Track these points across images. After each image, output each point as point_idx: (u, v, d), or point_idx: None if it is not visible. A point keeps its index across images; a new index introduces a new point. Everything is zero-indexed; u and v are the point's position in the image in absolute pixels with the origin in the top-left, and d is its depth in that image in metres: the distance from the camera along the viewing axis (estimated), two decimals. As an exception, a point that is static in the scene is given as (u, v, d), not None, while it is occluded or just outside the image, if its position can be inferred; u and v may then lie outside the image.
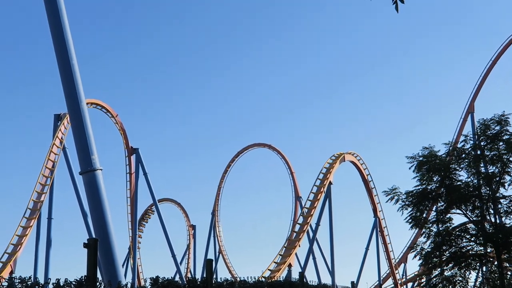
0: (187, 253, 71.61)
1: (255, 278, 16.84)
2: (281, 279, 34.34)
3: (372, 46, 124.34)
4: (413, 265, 75.58)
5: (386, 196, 22.37)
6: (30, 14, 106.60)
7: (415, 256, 21.83)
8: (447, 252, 21.21)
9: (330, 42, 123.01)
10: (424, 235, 22.03)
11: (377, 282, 58.21)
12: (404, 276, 62.67)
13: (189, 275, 66.40)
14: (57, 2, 23.44)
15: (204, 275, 16.48)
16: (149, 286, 11.38)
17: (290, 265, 44.82)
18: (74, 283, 8.93)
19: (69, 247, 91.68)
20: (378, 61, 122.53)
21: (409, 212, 21.85)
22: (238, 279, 16.42)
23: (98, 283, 9.05)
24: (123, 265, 52.49)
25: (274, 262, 44.80)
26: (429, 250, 21.24)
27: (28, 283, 8.24)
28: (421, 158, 21.79)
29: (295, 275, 37.86)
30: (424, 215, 22.24)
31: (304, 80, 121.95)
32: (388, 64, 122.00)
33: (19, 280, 8.15)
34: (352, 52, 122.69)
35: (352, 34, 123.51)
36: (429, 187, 21.79)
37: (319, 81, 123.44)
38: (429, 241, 21.55)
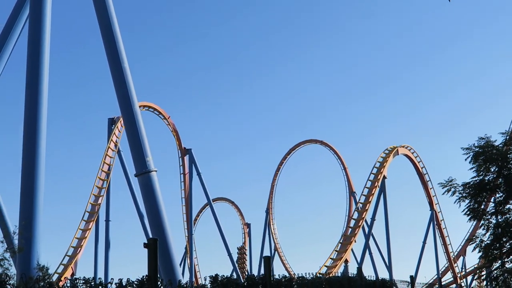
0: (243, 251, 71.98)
1: (312, 275, 16.82)
2: (338, 275, 34.14)
3: (425, 37, 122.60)
4: (473, 258, 74.24)
5: (443, 188, 21.97)
6: (82, 19, 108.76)
7: (474, 249, 21.40)
8: (507, 244, 20.73)
9: (381, 36, 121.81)
10: (483, 227, 21.56)
11: (436, 276, 57.41)
12: (463, 269, 61.67)
13: (245, 273, 66.70)
14: (107, 6, 23.82)
15: (261, 273, 16.50)
16: (209, 285, 11.48)
17: (346, 261, 44.63)
18: (136, 282, 9.09)
19: (127, 248, 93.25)
20: (431, 52, 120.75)
21: (467, 204, 21.41)
22: (296, 275, 16.41)
23: (159, 282, 9.19)
24: (180, 265, 53.10)
25: (330, 258, 44.65)
26: (488, 242, 20.79)
27: (92, 283, 8.43)
28: (477, 149, 21.32)
29: (352, 271, 37.66)
30: (482, 207, 21.77)
31: (355, 74, 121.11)
32: (441, 55, 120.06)
33: (83, 281, 8.34)
34: (404, 45, 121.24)
35: (403, 26, 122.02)
36: (486, 178, 21.30)
37: (370, 75, 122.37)
38: (489, 233, 21.09)
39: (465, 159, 21.57)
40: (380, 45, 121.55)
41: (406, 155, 56.14)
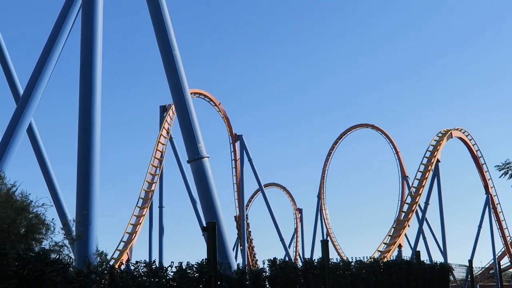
0: (295, 236, 72.05)
1: (372, 259, 16.71)
2: (392, 259, 33.87)
3: (478, 20, 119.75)
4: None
5: (499, 170, 21.57)
6: (132, 8, 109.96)
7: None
8: None
9: (432, 20, 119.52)
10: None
11: (492, 261, 56.42)
12: (520, 253, 60.46)
13: (298, 258, 66.82)
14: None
15: (313, 257, 16.53)
16: (267, 268, 11.50)
17: (400, 246, 44.23)
18: (195, 266, 9.17)
19: (180, 233, 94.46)
20: (484, 32, 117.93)
21: (525, 186, 20.92)
22: (348, 260, 16.30)
23: (218, 266, 9.25)
24: (232, 250, 53.53)
25: (384, 243, 44.31)
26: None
27: (153, 267, 8.53)
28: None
29: (405, 255, 37.26)
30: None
31: (406, 57, 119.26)
32: (496, 35, 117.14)
33: (144, 264, 8.45)
34: (456, 27, 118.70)
35: (455, 9, 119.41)
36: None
37: (421, 58, 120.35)
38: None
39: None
40: (433, 26, 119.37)
41: (460, 138, 55.16)
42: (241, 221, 52.60)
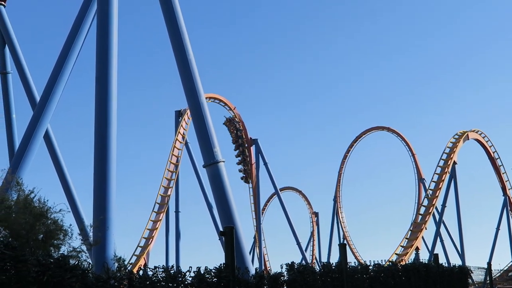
0: (311, 240, 71.89)
1: (389, 262, 16.62)
2: (409, 263, 33.66)
3: (494, 20, 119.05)
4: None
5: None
6: (147, 13, 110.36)
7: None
8: None
9: (449, 20, 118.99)
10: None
11: (511, 263, 55.98)
12: (539, 256, 59.84)
13: (314, 262, 66.65)
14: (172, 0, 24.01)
15: (330, 261, 16.48)
16: (285, 272, 11.46)
17: (417, 248, 44.01)
18: (213, 271, 9.15)
19: (197, 238, 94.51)
20: (501, 33, 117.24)
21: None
22: (365, 264, 16.22)
23: (236, 270, 9.22)
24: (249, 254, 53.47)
25: (401, 245, 44.12)
26: None
27: (171, 271, 8.52)
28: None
29: (423, 258, 37.03)
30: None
31: (421, 59, 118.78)
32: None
33: (162, 269, 8.44)
34: (472, 27, 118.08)
35: (472, 10, 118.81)
36: None
37: (436, 59, 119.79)
38: None
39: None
40: (448, 27, 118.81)
41: (477, 140, 54.77)
42: (258, 225, 52.58)
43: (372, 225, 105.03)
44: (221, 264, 9.29)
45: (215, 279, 9.20)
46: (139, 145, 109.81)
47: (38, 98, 26.75)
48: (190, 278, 8.92)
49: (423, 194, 58.31)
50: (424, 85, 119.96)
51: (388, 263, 17.31)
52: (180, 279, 8.62)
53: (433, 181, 48.64)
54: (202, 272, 8.97)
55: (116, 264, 11.25)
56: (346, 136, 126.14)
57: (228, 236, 8.87)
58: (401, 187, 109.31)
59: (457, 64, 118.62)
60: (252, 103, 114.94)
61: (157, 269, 8.32)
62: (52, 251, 10.47)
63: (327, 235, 67.89)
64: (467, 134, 51.65)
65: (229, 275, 9.11)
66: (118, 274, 7.87)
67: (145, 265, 38.94)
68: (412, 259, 41.33)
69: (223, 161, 24.81)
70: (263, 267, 52.68)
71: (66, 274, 7.08)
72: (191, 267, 8.83)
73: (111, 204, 18.18)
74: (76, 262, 7.52)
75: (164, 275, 8.35)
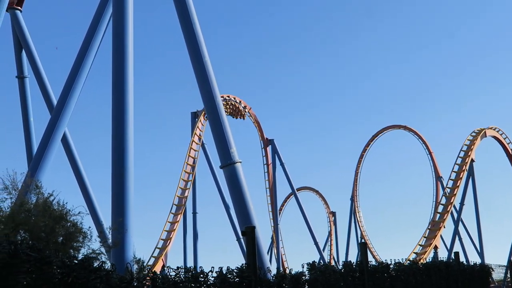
0: (329, 239, 71.74)
1: (408, 261, 16.54)
2: (428, 261, 33.50)
3: (509, 17, 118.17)
4: None
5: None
6: (163, 15, 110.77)
7: None
8: None
9: (464, 18, 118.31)
10: None
11: (531, 261, 55.50)
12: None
13: (332, 261, 66.49)
14: (187, 2, 24.06)
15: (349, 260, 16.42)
16: (307, 271, 11.44)
17: (436, 247, 43.75)
18: (235, 271, 9.15)
19: (214, 239, 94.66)
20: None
21: None
22: (384, 263, 16.15)
23: (258, 271, 9.22)
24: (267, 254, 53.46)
25: (419, 244, 43.89)
26: None
27: (193, 272, 8.53)
28: None
29: (442, 256, 36.84)
30: None
31: (437, 57, 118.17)
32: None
33: (184, 270, 8.46)
34: (487, 25, 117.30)
35: (486, 8, 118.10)
36: None
37: (452, 56, 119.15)
38: None
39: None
40: (464, 24, 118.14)
41: (494, 137, 54.38)
42: (275, 225, 52.57)
43: (389, 224, 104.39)
44: (242, 264, 9.29)
45: (237, 279, 9.21)
46: (155, 147, 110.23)
47: (55, 101, 26.91)
48: (212, 279, 8.94)
49: (440, 192, 57.98)
50: (441, 83, 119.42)
51: (408, 261, 17.23)
52: (203, 279, 8.63)
53: (450, 179, 48.35)
54: (224, 272, 8.98)
55: (136, 266, 11.29)
56: (363, 135, 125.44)
57: (249, 236, 8.86)
58: (418, 185, 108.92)
59: (474, 62, 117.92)
60: (268, 104, 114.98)
61: (180, 270, 8.35)
62: (72, 254, 10.54)
63: (344, 235, 67.79)
64: (485, 132, 51.32)
65: (251, 275, 9.11)
66: (141, 275, 7.91)
67: (163, 266, 39.05)
68: (431, 258, 41.15)
69: (240, 162, 24.81)
70: (281, 268, 52.60)
71: (91, 275, 7.12)
72: (213, 267, 8.85)
73: (129, 206, 18.24)
74: (100, 264, 7.55)
75: (186, 275, 8.37)
